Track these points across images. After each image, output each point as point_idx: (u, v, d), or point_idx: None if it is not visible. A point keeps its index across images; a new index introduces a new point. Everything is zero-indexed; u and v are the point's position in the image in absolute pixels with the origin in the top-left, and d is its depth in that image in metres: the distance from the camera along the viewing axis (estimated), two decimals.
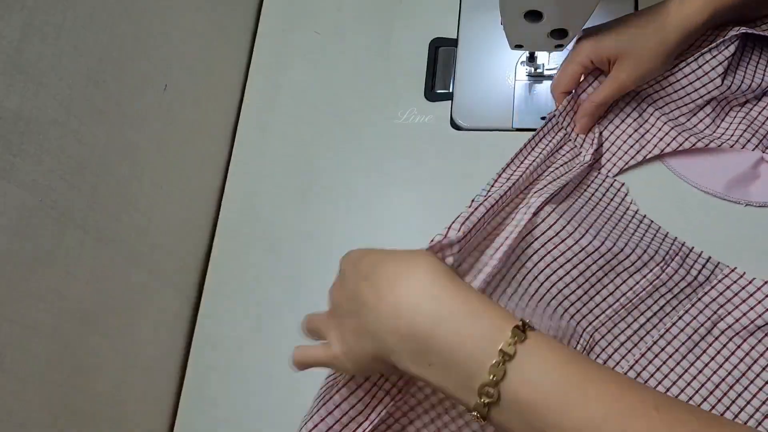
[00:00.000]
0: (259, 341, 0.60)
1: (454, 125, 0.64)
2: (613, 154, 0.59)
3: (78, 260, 0.48)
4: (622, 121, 0.59)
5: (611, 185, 0.58)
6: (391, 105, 0.66)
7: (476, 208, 0.47)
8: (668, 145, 0.57)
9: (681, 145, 0.57)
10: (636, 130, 0.58)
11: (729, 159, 0.57)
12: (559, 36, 0.53)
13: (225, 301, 0.62)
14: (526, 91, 0.63)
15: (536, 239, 0.53)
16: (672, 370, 0.50)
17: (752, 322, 0.50)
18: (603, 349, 0.52)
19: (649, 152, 0.58)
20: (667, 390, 0.49)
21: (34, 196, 0.43)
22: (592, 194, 0.57)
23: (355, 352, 0.39)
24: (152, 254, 0.57)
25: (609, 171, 0.58)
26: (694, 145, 0.56)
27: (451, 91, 0.66)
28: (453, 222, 0.45)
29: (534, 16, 0.51)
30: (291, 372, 0.59)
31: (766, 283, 0.51)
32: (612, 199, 0.57)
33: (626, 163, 0.58)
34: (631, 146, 0.58)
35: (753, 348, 0.50)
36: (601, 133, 0.58)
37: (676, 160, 0.58)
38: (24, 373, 0.43)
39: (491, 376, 0.33)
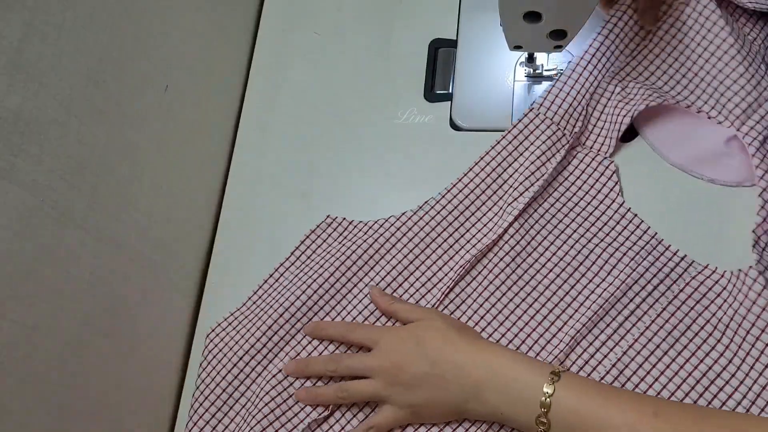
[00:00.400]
0: None
1: (454, 126, 0.64)
2: (602, 129, 0.59)
3: (78, 260, 0.48)
4: (608, 100, 0.59)
5: (601, 172, 0.58)
6: (391, 105, 0.66)
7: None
8: (650, 97, 0.57)
9: (665, 100, 0.57)
10: (620, 101, 0.59)
11: (702, 132, 0.57)
12: (558, 37, 0.53)
13: (225, 301, 0.62)
14: (525, 92, 0.64)
15: (507, 251, 0.57)
16: (654, 366, 0.51)
17: (732, 318, 0.51)
18: (584, 350, 0.53)
19: (635, 108, 0.57)
20: (650, 386, 0.51)
21: (34, 196, 0.43)
22: (580, 187, 0.58)
23: (433, 409, 0.51)
24: (152, 254, 0.57)
25: (608, 147, 0.59)
26: (677, 103, 0.57)
27: (450, 91, 0.66)
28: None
29: (533, 17, 0.51)
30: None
31: (737, 277, 0.51)
32: (599, 190, 0.58)
33: (619, 132, 0.58)
34: (617, 114, 0.59)
35: (731, 341, 0.50)
36: (586, 110, 0.59)
37: (654, 130, 0.59)
38: (24, 373, 0.43)
39: (542, 409, 0.45)
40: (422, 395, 0.50)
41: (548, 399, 0.45)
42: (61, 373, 0.46)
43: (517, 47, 0.57)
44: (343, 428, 0.54)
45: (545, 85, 0.63)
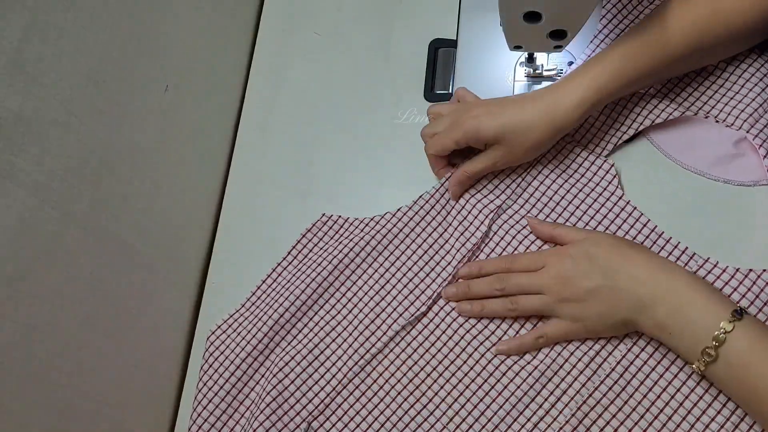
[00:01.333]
0: None
1: None
2: (606, 132, 0.59)
3: (78, 260, 0.48)
4: (615, 104, 0.59)
5: (600, 167, 0.58)
6: (391, 105, 0.66)
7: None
8: (658, 116, 0.57)
9: (670, 115, 0.57)
10: (624, 107, 0.59)
11: (712, 135, 0.57)
12: (558, 37, 0.53)
13: (225, 301, 0.62)
14: (525, 92, 0.63)
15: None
16: (659, 362, 0.51)
17: None
18: (590, 347, 0.52)
19: (640, 124, 0.58)
20: (647, 376, 0.51)
21: (34, 196, 0.43)
22: (578, 180, 0.58)
23: (603, 322, 0.50)
24: (152, 254, 0.57)
25: (602, 149, 0.59)
26: (683, 114, 0.57)
27: (450, 91, 0.66)
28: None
29: (533, 17, 0.51)
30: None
31: (738, 270, 0.52)
32: (598, 183, 0.58)
33: (619, 139, 0.59)
34: (622, 123, 0.59)
35: None
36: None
37: (661, 135, 0.59)
38: (24, 373, 0.43)
39: (714, 342, 0.45)
40: (594, 308, 0.50)
41: (724, 335, 0.44)
42: (61, 373, 0.46)
43: (517, 47, 0.57)
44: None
45: (545, 84, 0.63)
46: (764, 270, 0.51)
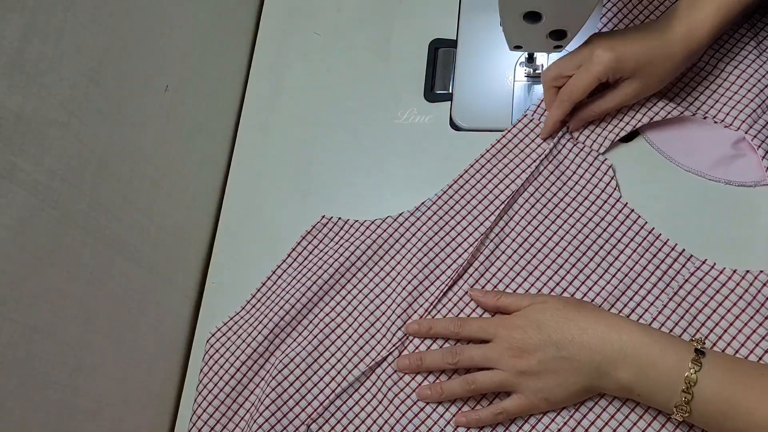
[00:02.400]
0: None
1: (454, 126, 0.64)
2: (604, 129, 0.59)
3: (78, 260, 0.48)
4: None
5: (598, 168, 0.58)
6: (391, 105, 0.67)
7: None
8: (657, 114, 0.58)
9: (669, 113, 0.57)
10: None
11: (711, 137, 0.57)
12: (558, 37, 0.53)
13: (225, 301, 0.62)
14: (525, 92, 0.64)
15: (506, 247, 0.57)
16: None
17: (728, 311, 0.51)
18: None
19: (638, 121, 0.58)
20: None
21: (34, 196, 0.43)
22: (576, 181, 0.58)
23: (565, 391, 0.49)
24: (153, 254, 0.57)
25: (599, 145, 0.59)
26: (681, 113, 0.57)
27: (450, 91, 0.66)
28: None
29: (533, 17, 0.51)
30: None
31: (735, 272, 0.52)
32: (596, 185, 0.58)
33: (617, 135, 0.58)
34: (621, 119, 0.59)
35: (733, 338, 0.50)
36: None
37: (659, 135, 0.59)
38: (24, 373, 0.43)
39: (683, 398, 0.44)
40: (553, 380, 0.48)
41: (691, 388, 0.43)
42: (61, 373, 0.46)
43: (517, 47, 0.57)
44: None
45: None
46: (761, 271, 0.51)
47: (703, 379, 0.43)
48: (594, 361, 0.47)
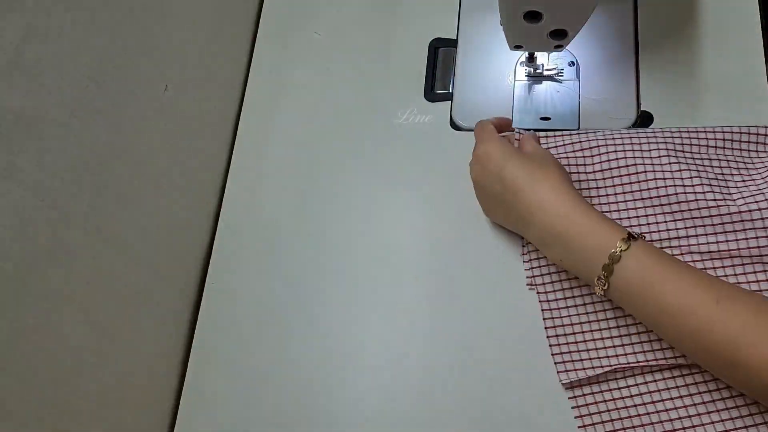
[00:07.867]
0: (259, 341, 0.61)
1: (454, 125, 0.64)
2: None
3: (78, 260, 0.48)
4: None
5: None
6: (391, 105, 0.66)
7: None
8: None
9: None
10: None
11: None
12: (558, 36, 0.53)
13: (225, 301, 0.62)
14: (525, 92, 0.64)
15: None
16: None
17: None
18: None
19: None
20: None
21: (34, 196, 0.43)
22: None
23: (493, 214, 0.57)
24: (152, 254, 0.57)
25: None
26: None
27: (450, 91, 0.66)
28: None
29: (533, 16, 0.51)
30: (291, 371, 0.59)
31: None
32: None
33: None
34: None
35: None
36: None
37: None
38: (24, 373, 0.43)
39: (603, 272, 0.46)
40: (500, 213, 0.55)
41: (613, 264, 0.45)
42: (61, 373, 0.46)
43: (518, 47, 0.57)
44: None
45: (545, 84, 0.63)
46: None
47: (626, 258, 0.45)
48: (537, 227, 0.50)
